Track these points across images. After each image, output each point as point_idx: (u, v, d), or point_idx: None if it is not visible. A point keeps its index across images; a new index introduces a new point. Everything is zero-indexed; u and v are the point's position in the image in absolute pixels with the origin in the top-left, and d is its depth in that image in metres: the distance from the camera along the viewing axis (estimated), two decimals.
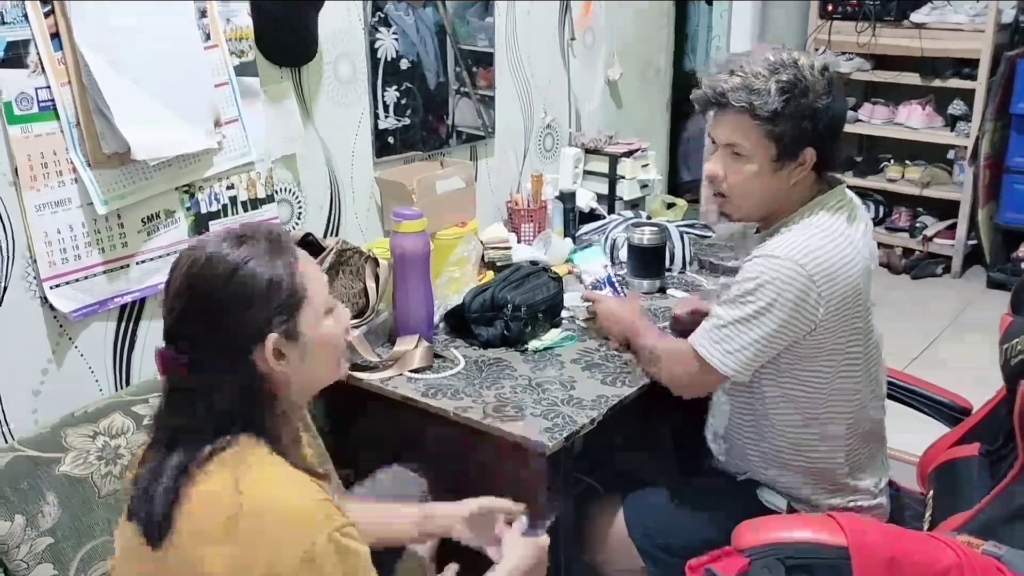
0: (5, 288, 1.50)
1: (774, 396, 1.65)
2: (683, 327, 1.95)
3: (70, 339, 1.61)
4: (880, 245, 4.61)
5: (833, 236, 1.56)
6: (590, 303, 1.99)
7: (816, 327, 1.55)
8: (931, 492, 1.77)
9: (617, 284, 2.14)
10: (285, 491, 1.10)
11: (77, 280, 1.59)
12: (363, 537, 1.16)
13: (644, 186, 2.79)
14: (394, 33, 2.14)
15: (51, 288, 1.55)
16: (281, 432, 1.17)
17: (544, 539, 1.46)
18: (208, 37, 1.72)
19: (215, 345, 1.11)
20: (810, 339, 1.56)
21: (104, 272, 1.63)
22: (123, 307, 1.69)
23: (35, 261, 1.52)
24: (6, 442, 1.51)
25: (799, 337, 1.55)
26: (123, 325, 1.70)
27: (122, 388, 1.70)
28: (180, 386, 1.13)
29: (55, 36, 1.49)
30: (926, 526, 1.72)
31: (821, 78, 1.52)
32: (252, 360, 1.13)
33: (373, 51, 2.10)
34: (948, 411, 1.94)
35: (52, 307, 1.56)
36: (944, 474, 1.78)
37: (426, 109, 2.29)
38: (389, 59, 2.14)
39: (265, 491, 1.09)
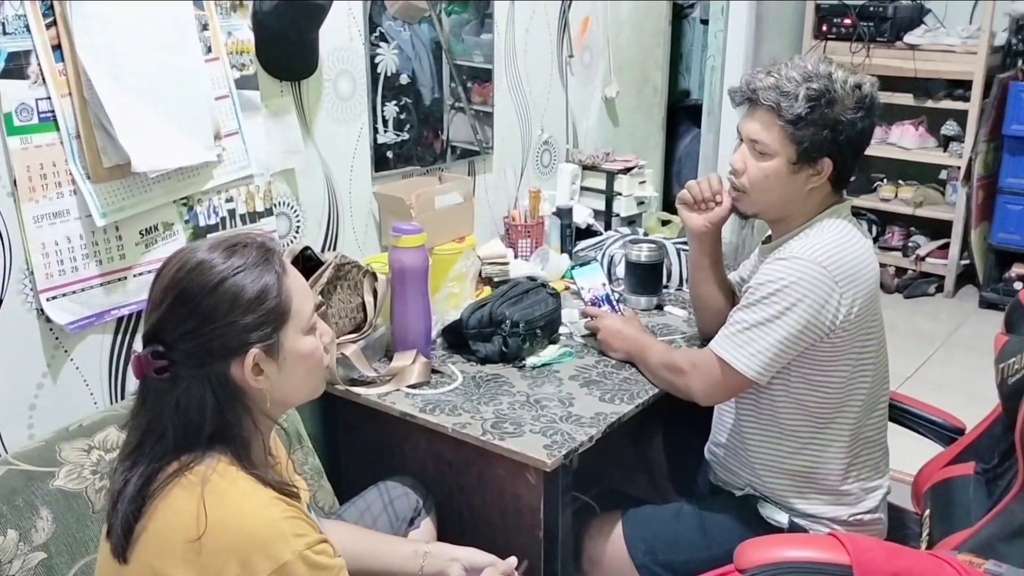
0: (1, 300, 1.49)
1: (785, 401, 1.65)
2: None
3: (66, 352, 1.60)
4: None
5: (852, 241, 1.60)
6: (589, 319, 1.99)
7: (835, 329, 1.56)
8: (927, 511, 1.76)
9: (615, 302, 2.13)
10: (252, 510, 1.08)
11: (74, 292, 1.57)
12: (338, 553, 1.15)
13: (641, 203, 2.80)
14: (394, 48, 2.15)
15: (48, 300, 1.53)
16: (251, 446, 1.16)
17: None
18: (209, 50, 1.72)
19: (193, 353, 1.10)
20: (827, 342, 1.58)
21: (101, 284, 1.61)
22: (120, 320, 1.67)
23: (32, 273, 1.51)
24: (0, 456, 1.50)
25: (818, 339, 1.57)
26: (119, 338, 1.68)
27: (118, 401, 1.69)
28: (154, 392, 1.12)
29: (56, 47, 1.49)
30: (924, 545, 1.71)
31: (852, 94, 1.57)
32: (229, 371, 1.12)
33: (373, 66, 2.11)
34: (942, 431, 1.95)
35: (48, 319, 1.55)
36: (940, 493, 1.78)
37: (422, 125, 2.29)
38: (389, 74, 2.15)
39: (231, 511, 1.07)
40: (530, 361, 1.89)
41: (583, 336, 2.02)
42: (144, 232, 1.67)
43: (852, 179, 1.69)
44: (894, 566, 1.20)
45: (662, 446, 2.07)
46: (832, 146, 1.57)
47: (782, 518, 1.69)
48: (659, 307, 2.22)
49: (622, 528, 1.75)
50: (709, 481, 1.86)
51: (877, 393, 1.69)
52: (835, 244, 1.57)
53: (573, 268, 2.14)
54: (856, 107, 1.57)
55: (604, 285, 2.16)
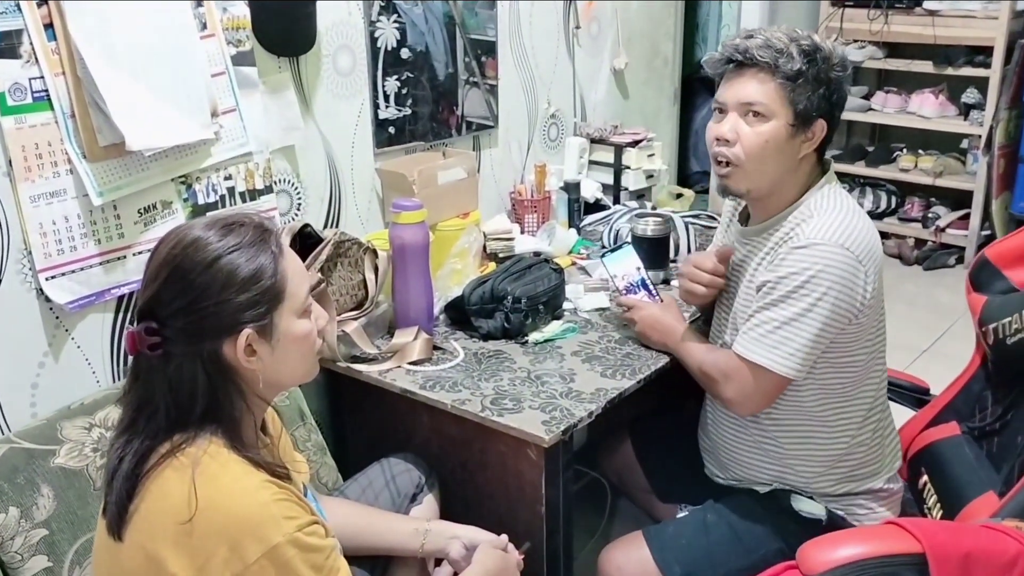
0: (0, 280, 1.49)
1: (811, 387, 1.58)
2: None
3: (67, 331, 1.61)
4: (892, 236, 4.64)
5: (858, 212, 1.54)
6: (625, 309, 1.85)
7: (863, 309, 1.50)
8: (924, 478, 1.75)
9: (652, 286, 1.92)
10: (242, 493, 1.08)
11: (73, 271, 1.58)
12: (331, 534, 1.15)
13: (650, 176, 2.76)
14: (395, 22, 2.12)
15: (47, 280, 1.54)
16: (242, 427, 1.15)
17: (514, 553, 1.50)
18: (204, 26, 1.71)
19: (186, 330, 1.09)
20: (855, 322, 1.52)
21: (100, 263, 1.62)
22: (120, 298, 1.68)
23: (30, 253, 1.51)
24: (2, 434, 1.51)
25: (848, 322, 1.50)
26: (120, 316, 1.69)
27: (119, 380, 1.69)
28: (146, 368, 1.12)
29: (48, 26, 1.48)
30: (936, 513, 1.70)
31: (835, 52, 1.53)
32: (221, 351, 1.11)
33: (373, 40, 2.09)
34: (908, 393, 1.96)
35: (48, 299, 1.55)
36: (931, 458, 1.78)
37: (436, 100, 2.27)
38: (389, 48, 2.12)
39: (222, 494, 1.07)
40: (533, 337, 1.88)
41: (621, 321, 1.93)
42: (142, 211, 1.67)
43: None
44: (962, 546, 1.16)
45: (634, 458, 1.96)
46: (826, 106, 1.51)
47: (818, 510, 1.62)
48: (666, 281, 2.19)
49: (651, 554, 1.63)
50: (715, 482, 1.77)
51: (884, 357, 1.66)
52: (847, 220, 1.50)
53: (603, 255, 1.97)
54: (841, 66, 1.52)
55: (639, 269, 1.93)
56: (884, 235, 4.59)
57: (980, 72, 4.19)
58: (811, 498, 1.64)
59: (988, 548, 1.17)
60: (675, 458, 1.86)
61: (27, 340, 1.55)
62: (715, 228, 2.42)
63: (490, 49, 2.43)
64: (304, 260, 1.65)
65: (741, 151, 1.53)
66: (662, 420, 1.99)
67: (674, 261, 2.30)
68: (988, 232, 4.34)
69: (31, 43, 1.47)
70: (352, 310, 1.84)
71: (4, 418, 1.53)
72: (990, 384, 1.77)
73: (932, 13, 4.24)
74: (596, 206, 2.63)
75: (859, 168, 4.69)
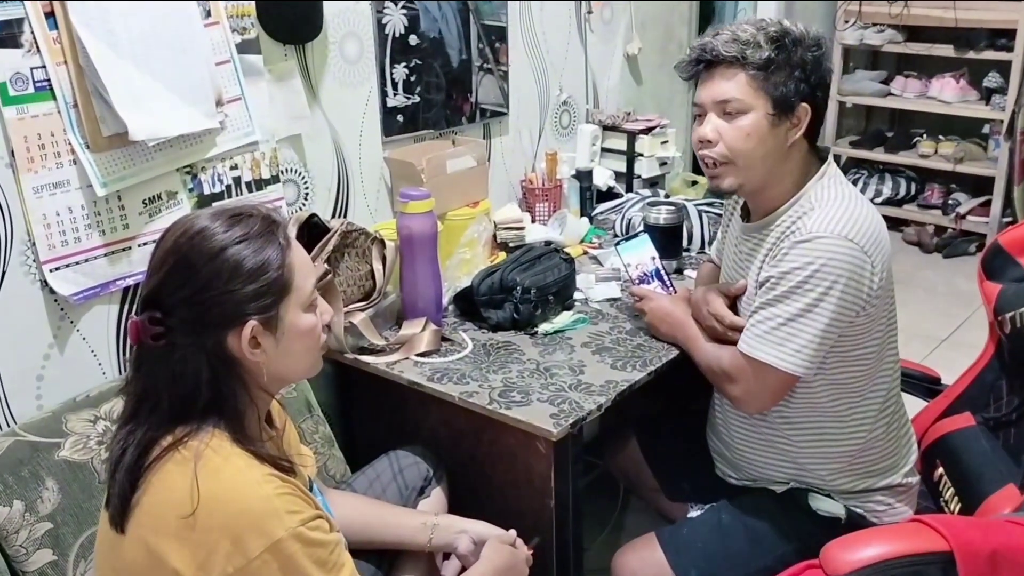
0: (4, 272, 1.48)
1: (822, 384, 1.54)
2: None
3: (72, 322, 1.60)
4: (912, 223, 4.58)
5: (861, 201, 1.50)
6: (636, 299, 1.84)
7: (871, 300, 1.47)
8: (939, 470, 1.71)
9: (667, 276, 1.90)
10: (245, 487, 1.07)
11: (77, 263, 1.56)
12: (336, 528, 1.14)
13: (663, 164, 2.73)
14: (405, 8, 2.09)
15: (51, 271, 1.53)
16: (246, 419, 1.14)
17: (523, 548, 1.49)
18: (209, 14, 1.69)
19: (190, 320, 1.08)
20: (863, 315, 1.48)
21: (105, 255, 1.60)
22: (125, 290, 1.67)
23: (34, 244, 1.50)
24: (8, 427, 1.50)
25: (856, 315, 1.47)
26: (125, 308, 1.68)
27: (125, 372, 1.68)
28: (149, 358, 1.10)
29: (50, 15, 1.46)
30: (955, 506, 1.67)
31: (807, 33, 1.49)
32: (225, 342, 1.10)
33: (380, 27, 2.06)
34: (919, 383, 1.92)
35: (52, 291, 1.54)
36: (946, 449, 1.74)
37: (448, 87, 2.25)
38: (397, 35, 2.10)
39: (224, 487, 1.06)
40: (542, 328, 1.85)
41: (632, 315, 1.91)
42: (147, 201, 1.65)
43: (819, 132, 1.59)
44: (989, 543, 1.13)
45: (641, 457, 1.92)
46: (806, 88, 1.48)
47: (838, 509, 1.58)
48: (679, 271, 2.16)
49: (665, 558, 1.60)
50: (726, 483, 1.74)
51: (896, 348, 1.62)
52: (850, 210, 1.46)
53: (618, 243, 1.94)
54: (816, 46, 1.49)
55: (654, 259, 1.90)
56: (903, 222, 4.53)
57: (1002, 56, 4.12)
58: (829, 496, 1.61)
59: (1015, 544, 1.14)
60: (683, 456, 1.83)
61: (32, 332, 1.55)
62: None
63: (504, 35, 2.40)
64: (311, 250, 1.64)
65: (725, 149, 1.51)
66: (668, 418, 1.96)
67: (687, 250, 2.27)
68: (1009, 219, 4.27)
69: (32, 32, 1.45)
70: (359, 301, 1.82)
71: (9, 410, 1.52)
72: (1005, 373, 1.73)
73: None
74: (608, 194, 2.60)
75: (878, 154, 4.63)
